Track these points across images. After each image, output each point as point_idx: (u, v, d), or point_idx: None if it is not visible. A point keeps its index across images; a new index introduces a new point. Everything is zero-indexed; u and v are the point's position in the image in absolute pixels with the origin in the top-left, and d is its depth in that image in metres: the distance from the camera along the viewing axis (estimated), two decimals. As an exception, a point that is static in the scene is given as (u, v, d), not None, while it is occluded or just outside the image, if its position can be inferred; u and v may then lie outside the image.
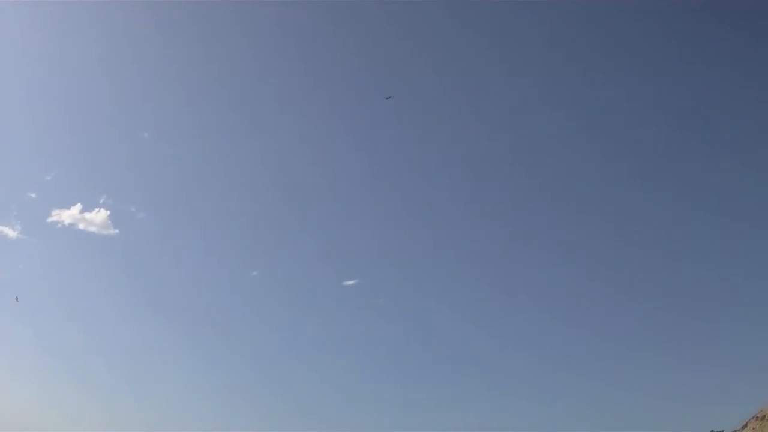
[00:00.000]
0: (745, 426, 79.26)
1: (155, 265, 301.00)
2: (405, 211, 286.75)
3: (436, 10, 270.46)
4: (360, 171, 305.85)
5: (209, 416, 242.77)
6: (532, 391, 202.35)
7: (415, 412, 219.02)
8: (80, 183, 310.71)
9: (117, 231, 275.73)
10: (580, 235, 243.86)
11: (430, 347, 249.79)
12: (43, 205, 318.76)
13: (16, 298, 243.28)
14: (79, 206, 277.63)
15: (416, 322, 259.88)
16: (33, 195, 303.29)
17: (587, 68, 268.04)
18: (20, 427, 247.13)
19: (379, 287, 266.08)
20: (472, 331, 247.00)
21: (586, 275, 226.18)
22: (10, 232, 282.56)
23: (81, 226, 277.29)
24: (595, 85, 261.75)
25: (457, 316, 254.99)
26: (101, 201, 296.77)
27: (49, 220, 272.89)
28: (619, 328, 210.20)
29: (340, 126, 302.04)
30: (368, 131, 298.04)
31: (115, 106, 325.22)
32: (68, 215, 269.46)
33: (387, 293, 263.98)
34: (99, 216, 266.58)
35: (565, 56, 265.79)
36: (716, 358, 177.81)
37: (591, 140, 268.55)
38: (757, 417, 78.17)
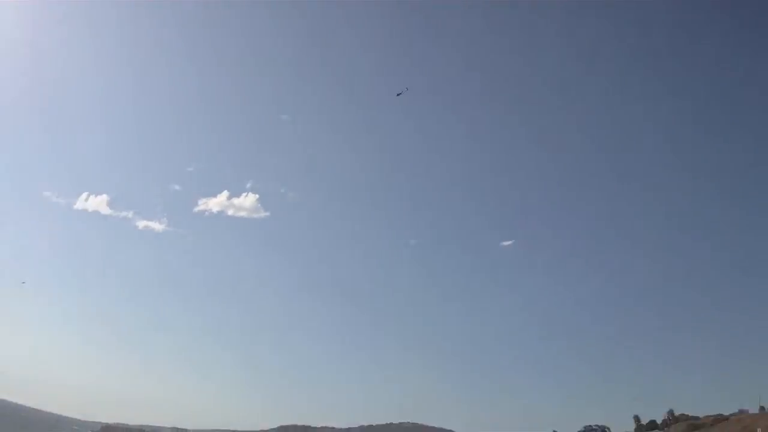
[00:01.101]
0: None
1: (312, 242, 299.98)
2: (565, 172, 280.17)
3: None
4: (516, 136, 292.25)
5: (370, 378, 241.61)
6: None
7: (570, 372, 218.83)
8: (224, 170, 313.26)
9: (268, 213, 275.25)
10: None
11: (587, 308, 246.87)
12: (189, 195, 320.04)
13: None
14: (225, 193, 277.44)
15: (572, 281, 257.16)
16: (177, 187, 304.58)
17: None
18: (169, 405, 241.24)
19: (536, 247, 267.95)
20: (630, 296, 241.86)
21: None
22: (157, 226, 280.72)
23: (230, 212, 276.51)
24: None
25: (613, 280, 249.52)
26: (248, 185, 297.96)
27: (196, 209, 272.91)
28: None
29: (493, 99, 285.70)
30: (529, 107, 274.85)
31: (251, 92, 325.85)
32: (215, 203, 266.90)
33: (544, 253, 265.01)
34: (248, 200, 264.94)
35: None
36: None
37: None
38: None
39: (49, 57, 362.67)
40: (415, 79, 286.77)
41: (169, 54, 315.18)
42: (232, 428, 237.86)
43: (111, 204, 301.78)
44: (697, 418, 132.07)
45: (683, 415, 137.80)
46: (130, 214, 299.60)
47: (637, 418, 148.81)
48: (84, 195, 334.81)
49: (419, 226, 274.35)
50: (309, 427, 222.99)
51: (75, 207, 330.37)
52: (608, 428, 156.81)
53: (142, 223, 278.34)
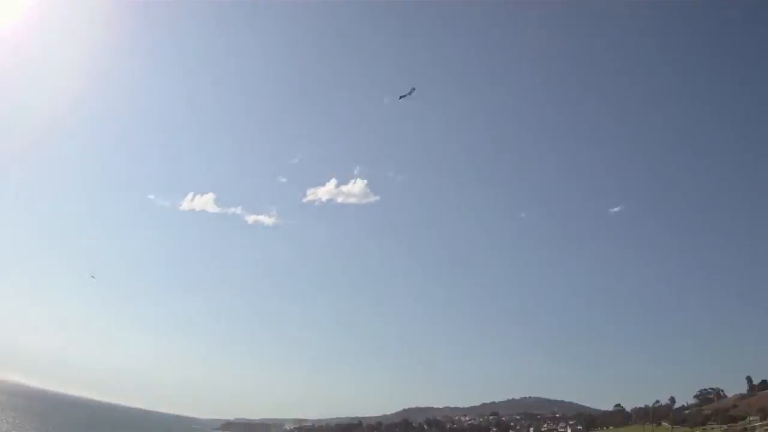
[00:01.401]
0: None
1: (425, 222, 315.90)
2: (677, 139, 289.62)
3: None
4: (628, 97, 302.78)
5: (490, 355, 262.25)
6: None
7: (684, 338, 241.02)
8: (330, 158, 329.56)
9: (378, 197, 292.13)
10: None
11: (697, 272, 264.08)
12: (296, 187, 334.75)
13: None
14: (333, 181, 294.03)
15: (681, 246, 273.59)
16: (283, 179, 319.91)
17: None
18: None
19: (645, 213, 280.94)
20: (740, 259, 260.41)
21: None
22: (266, 219, 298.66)
23: (339, 199, 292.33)
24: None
25: (722, 244, 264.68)
26: (356, 171, 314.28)
27: (305, 200, 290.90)
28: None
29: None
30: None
31: (351, 77, 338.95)
32: (324, 191, 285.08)
33: (653, 218, 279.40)
34: (356, 186, 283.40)
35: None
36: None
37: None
38: None
39: (148, 60, 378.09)
40: (516, 61, 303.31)
41: (267, 47, 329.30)
42: (354, 415, 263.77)
43: (218, 202, 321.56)
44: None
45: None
46: (238, 210, 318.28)
47: (749, 379, 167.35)
48: (190, 195, 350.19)
49: (528, 198, 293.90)
50: (431, 408, 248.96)
51: (181, 208, 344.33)
52: (722, 390, 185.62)
53: (251, 218, 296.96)
